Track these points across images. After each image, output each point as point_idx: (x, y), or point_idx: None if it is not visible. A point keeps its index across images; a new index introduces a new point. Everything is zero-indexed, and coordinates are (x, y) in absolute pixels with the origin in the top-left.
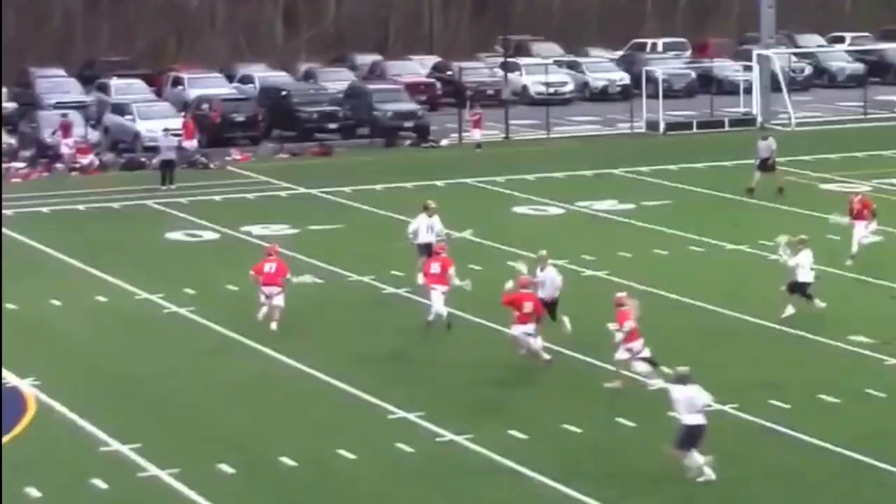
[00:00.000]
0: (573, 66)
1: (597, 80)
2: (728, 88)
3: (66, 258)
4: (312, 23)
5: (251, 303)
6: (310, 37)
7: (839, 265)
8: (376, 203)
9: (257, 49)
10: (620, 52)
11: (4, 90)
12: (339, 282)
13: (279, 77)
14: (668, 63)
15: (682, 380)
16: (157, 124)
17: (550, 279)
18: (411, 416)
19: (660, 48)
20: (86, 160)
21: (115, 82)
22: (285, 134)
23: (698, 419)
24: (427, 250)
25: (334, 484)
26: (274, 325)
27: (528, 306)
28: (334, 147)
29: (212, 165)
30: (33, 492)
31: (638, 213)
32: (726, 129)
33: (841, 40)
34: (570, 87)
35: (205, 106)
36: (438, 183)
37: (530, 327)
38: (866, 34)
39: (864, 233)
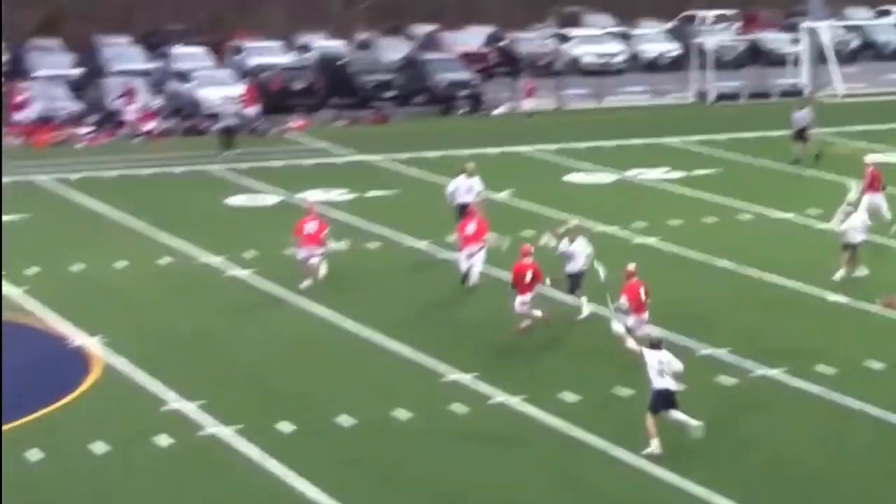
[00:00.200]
0: (625, 36)
1: (648, 50)
2: (776, 60)
3: (130, 221)
4: None
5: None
6: (367, 6)
7: (885, 232)
8: (431, 169)
9: (316, 18)
10: (671, 24)
11: (70, 57)
12: (394, 246)
13: (337, 46)
14: (717, 35)
15: (655, 345)
16: (218, 92)
17: (581, 251)
18: (466, 378)
19: (710, 20)
20: (149, 126)
21: (177, 50)
22: (343, 102)
23: (668, 383)
24: (464, 211)
25: (391, 443)
26: (321, 274)
27: (528, 275)
28: (390, 115)
29: (271, 132)
30: (100, 447)
31: (687, 181)
32: (774, 99)
33: (888, 13)
34: (621, 57)
35: (265, 74)
36: (491, 150)
37: (529, 296)
38: None
39: (879, 204)
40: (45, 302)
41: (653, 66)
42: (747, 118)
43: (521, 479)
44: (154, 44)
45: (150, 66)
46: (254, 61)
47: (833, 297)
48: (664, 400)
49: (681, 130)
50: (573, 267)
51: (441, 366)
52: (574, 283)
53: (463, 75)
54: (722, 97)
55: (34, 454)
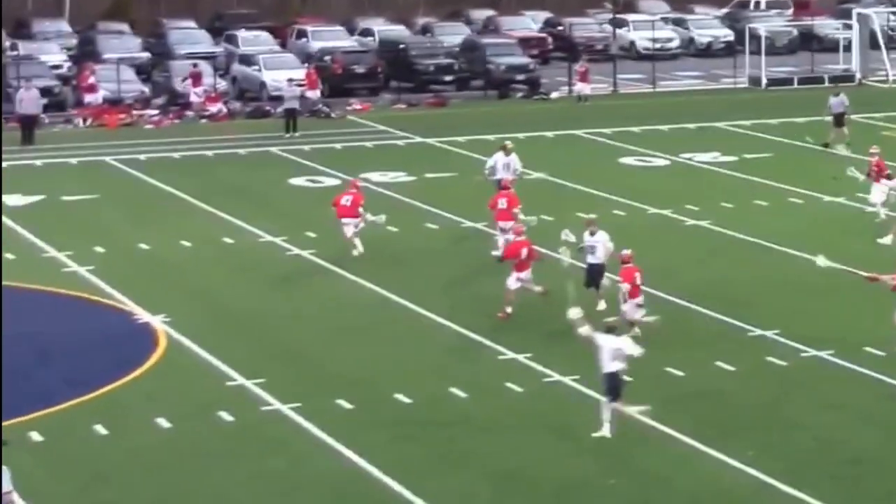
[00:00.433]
0: (679, 22)
1: (702, 36)
2: (828, 45)
3: (195, 201)
4: None
5: (370, 245)
6: None
7: None
8: (489, 152)
9: (377, 3)
10: (725, 10)
11: (138, 40)
12: (452, 228)
13: (398, 31)
14: (770, 20)
15: (610, 330)
16: (282, 75)
17: (602, 244)
18: (520, 357)
19: (763, 6)
20: (214, 108)
21: (242, 34)
22: (403, 85)
23: (618, 366)
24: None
25: (447, 421)
26: (359, 249)
27: (524, 253)
28: (449, 98)
29: (333, 115)
30: (163, 422)
31: (739, 165)
32: (826, 84)
33: None
34: (675, 42)
35: (327, 58)
36: (548, 134)
37: (526, 273)
38: None
39: (883, 191)
40: (112, 280)
41: (706, 51)
42: (799, 103)
43: (574, 457)
44: (220, 28)
45: (216, 49)
46: (316, 45)
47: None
48: (618, 385)
49: (733, 115)
50: (594, 259)
51: (496, 346)
52: (592, 275)
53: (520, 60)
54: (774, 82)
55: (100, 429)
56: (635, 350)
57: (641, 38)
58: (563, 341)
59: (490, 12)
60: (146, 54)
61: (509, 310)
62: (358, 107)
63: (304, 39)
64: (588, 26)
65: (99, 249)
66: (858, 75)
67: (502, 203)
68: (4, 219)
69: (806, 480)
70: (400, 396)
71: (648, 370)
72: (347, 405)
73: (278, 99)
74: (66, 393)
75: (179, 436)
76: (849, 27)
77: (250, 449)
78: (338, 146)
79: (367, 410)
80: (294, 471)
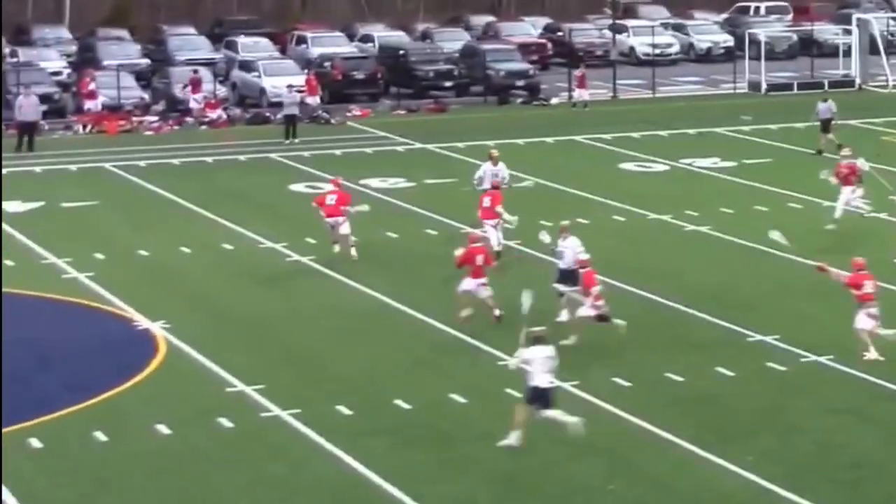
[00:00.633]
0: (679, 28)
1: (701, 41)
2: (828, 51)
3: (194, 208)
4: None
5: (369, 251)
6: None
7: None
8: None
9: (377, 9)
10: (724, 15)
11: (138, 47)
12: (452, 233)
13: (397, 37)
14: (770, 26)
15: (537, 340)
16: (282, 81)
17: (570, 250)
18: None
19: (762, 11)
20: (214, 114)
21: (242, 40)
22: (403, 91)
23: (549, 381)
24: None
25: (447, 427)
26: (354, 253)
27: (479, 259)
28: (449, 104)
29: (333, 121)
30: (163, 428)
31: (739, 170)
32: (826, 90)
33: None
34: (675, 48)
35: (327, 64)
36: (548, 139)
37: (483, 280)
38: None
39: (850, 197)
40: (112, 286)
41: (706, 56)
42: (799, 108)
43: (574, 462)
44: (219, 34)
45: (216, 55)
46: (316, 51)
47: (883, 285)
48: (542, 398)
49: (733, 120)
50: (562, 265)
51: (496, 351)
52: (562, 279)
53: (520, 66)
54: (773, 87)
55: (100, 436)
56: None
57: (641, 44)
58: (562, 347)
59: (490, 18)
60: (146, 61)
61: (467, 312)
62: (358, 113)
63: (303, 46)
64: (588, 32)
65: (99, 256)
66: (858, 80)
67: (486, 201)
68: (4, 225)
69: (806, 485)
70: (400, 402)
71: (648, 375)
72: (347, 411)
73: (278, 105)
74: (65, 399)
75: (179, 442)
76: (848, 32)
77: (250, 455)
78: (337, 152)
79: (366, 416)
80: (293, 477)
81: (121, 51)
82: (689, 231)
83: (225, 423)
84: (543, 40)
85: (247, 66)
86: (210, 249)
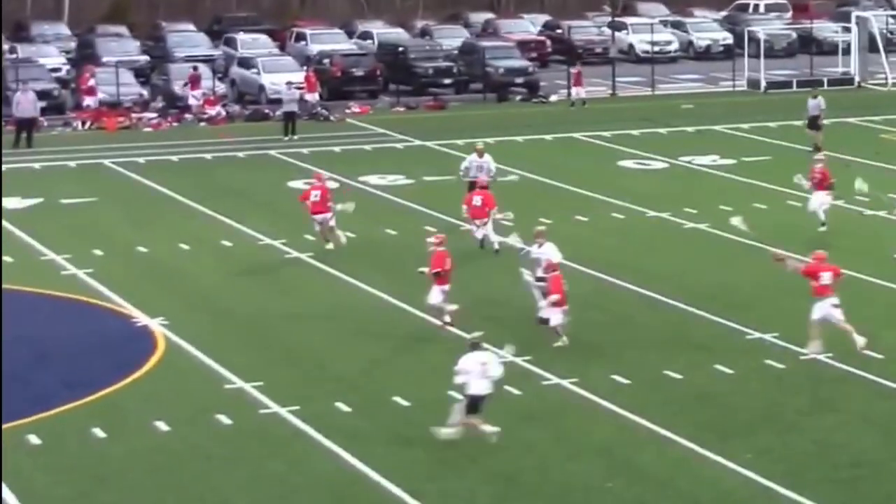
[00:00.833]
0: (678, 25)
1: (701, 39)
2: (827, 49)
3: (193, 204)
4: None
5: (368, 248)
6: None
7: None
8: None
9: (376, 6)
10: (724, 13)
11: (137, 43)
12: (451, 231)
13: (396, 34)
14: (769, 23)
15: (474, 346)
16: (281, 78)
17: (547, 256)
18: (519, 361)
19: (761, 9)
20: (213, 111)
21: (241, 37)
22: (402, 88)
23: (486, 388)
24: (474, 186)
25: (444, 424)
26: (342, 239)
27: (448, 263)
28: (448, 101)
29: (332, 118)
30: (162, 425)
31: (738, 168)
32: (825, 88)
33: None
34: (674, 45)
35: (326, 61)
36: (547, 137)
37: (446, 287)
38: None
39: (824, 200)
40: (111, 283)
41: (705, 54)
42: (798, 106)
43: (573, 460)
44: (218, 31)
45: (215, 52)
46: (315, 48)
47: (882, 283)
48: (478, 405)
49: (732, 118)
50: (541, 271)
51: (495, 349)
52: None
53: (519, 63)
54: (773, 85)
55: (99, 432)
56: (498, 370)
57: (640, 41)
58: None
59: (489, 15)
60: (145, 57)
61: (448, 318)
62: (357, 110)
63: (302, 42)
64: (587, 29)
65: (97, 252)
66: (857, 78)
67: (476, 201)
68: (3, 222)
69: (805, 483)
70: (399, 399)
71: (647, 373)
72: (346, 408)
73: (277, 102)
74: (64, 396)
75: (178, 439)
76: (848, 30)
77: (249, 452)
78: (337, 149)
79: (365, 413)
80: (293, 474)
81: (120, 47)
82: (688, 229)
83: (224, 420)
84: (543, 37)
85: (246, 63)
86: (209, 246)
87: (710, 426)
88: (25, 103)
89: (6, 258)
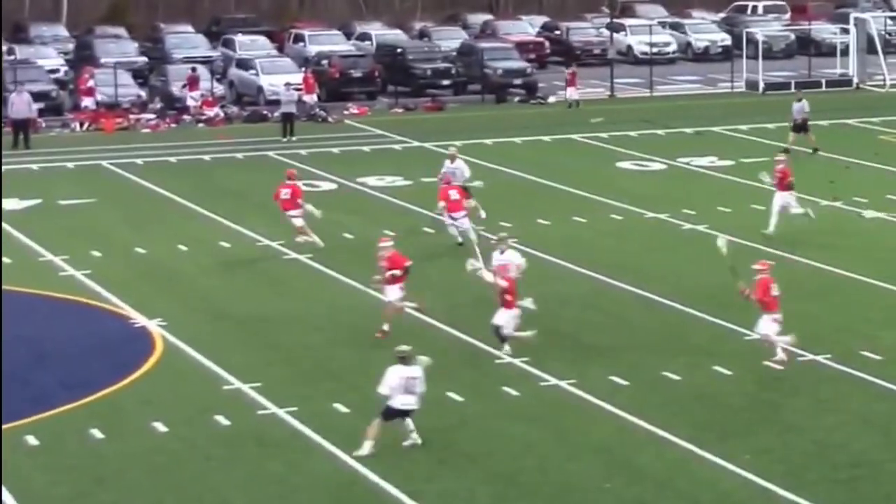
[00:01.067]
0: (676, 26)
1: (699, 40)
2: (826, 50)
3: (192, 205)
4: None
5: (367, 249)
6: None
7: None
8: (486, 157)
9: (375, 8)
10: (722, 14)
11: (136, 45)
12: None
13: (395, 35)
14: (767, 25)
15: (403, 359)
16: (279, 79)
17: (513, 263)
18: (517, 362)
19: (760, 10)
20: (211, 112)
21: (240, 39)
22: (400, 89)
23: (410, 403)
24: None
25: (444, 425)
26: (314, 238)
27: (405, 261)
28: (446, 103)
29: (330, 119)
30: (160, 426)
31: (737, 169)
32: (823, 89)
33: None
34: (673, 47)
35: (324, 62)
36: (545, 138)
37: (402, 285)
38: None
39: (788, 202)
40: (109, 284)
41: (703, 55)
42: None
43: (572, 460)
44: (217, 32)
45: (213, 53)
46: (314, 49)
47: (881, 284)
48: (398, 417)
49: (730, 119)
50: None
51: (493, 350)
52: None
53: (518, 64)
54: (771, 87)
55: (97, 433)
56: (423, 386)
57: (639, 43)
58: (561, 346)
59: (487, 17)
60: (143, 59)
61: (386, 327)
62: (355, 111)
63: (301, 44)
64: (585, 31)
65: (96, 253)
66: (856, 80)
67: (454, 195)
68: (1, 223)
69: (804, 484)
70: None
71: (646, 374)
72: (344, 409)
73: (275, 103)
74: (62, 397)
75: (176, 439)
76: (846, 32)
77: (247, 453)
78: (335, 150)
79: (364, 414)
80: (291, 474)
81: (118, 49)
82: (687, 230)
83: (222, 420)
84: (541, 39)
85: (244, 65)
86: (207, 247)
87: (708, 427)
88: (20, 104)
89: (5, 259)
